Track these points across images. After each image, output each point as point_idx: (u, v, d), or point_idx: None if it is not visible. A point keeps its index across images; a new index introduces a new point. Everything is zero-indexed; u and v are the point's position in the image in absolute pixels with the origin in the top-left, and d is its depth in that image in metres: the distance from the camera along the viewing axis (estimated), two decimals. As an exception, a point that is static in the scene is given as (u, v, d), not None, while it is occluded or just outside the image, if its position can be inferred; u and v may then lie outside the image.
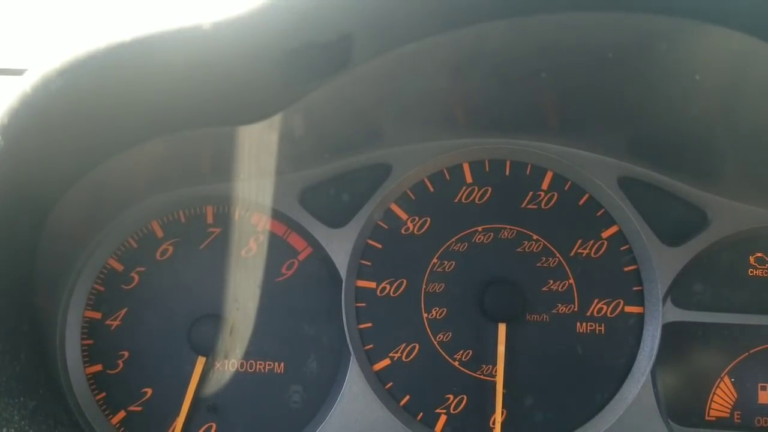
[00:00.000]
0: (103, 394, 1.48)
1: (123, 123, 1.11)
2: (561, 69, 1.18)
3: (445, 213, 1.54)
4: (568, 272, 1.52)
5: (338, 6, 0.89)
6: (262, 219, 1.54)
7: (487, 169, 1.56)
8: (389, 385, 1.51)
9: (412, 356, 1.51)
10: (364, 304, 1.52)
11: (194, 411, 1.48)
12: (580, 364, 1.51)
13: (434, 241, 1.54)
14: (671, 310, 1.49)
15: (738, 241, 1.52)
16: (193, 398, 1.46)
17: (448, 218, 1.54)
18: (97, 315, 1.50)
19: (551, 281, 1.52)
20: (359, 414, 1.46)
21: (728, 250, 1.53)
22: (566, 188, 1.55)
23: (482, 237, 1.54)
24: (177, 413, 1.45)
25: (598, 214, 1.54)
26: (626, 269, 1.52)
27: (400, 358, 1.51)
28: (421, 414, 1.50)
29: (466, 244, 1.53)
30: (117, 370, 1.49)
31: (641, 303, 1.51)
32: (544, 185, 1.55)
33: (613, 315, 1.52)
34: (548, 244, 1.53)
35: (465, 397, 1.51)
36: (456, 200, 1.55)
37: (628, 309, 1.51)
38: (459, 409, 1.51)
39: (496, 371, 1.47)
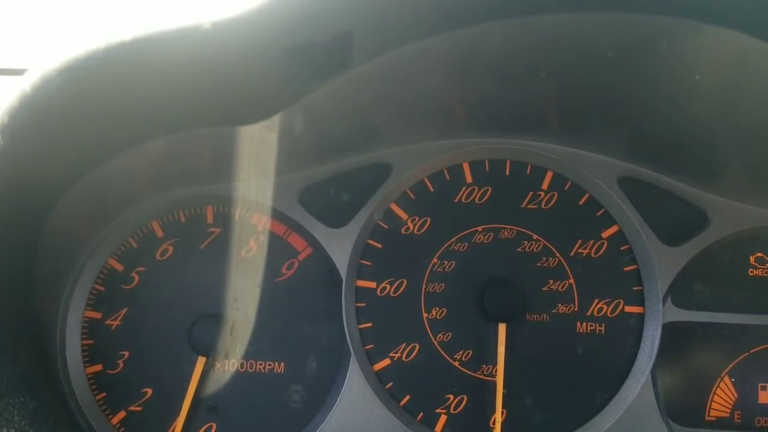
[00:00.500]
0: (104, 394, 1.48)
1: (123, 123, 1.11)
2: (561, 69, 1.18)
3: (445, 213, 1.54)
4: (568, 272, 1.52)
5: (338, 6, 0.89)
6: (262, 219, 1.54)
7: (487, 169, 1.56)
8: (389, 385, 1.51)
9: (412, 356, 1.51)
10: (364, 304, 1.52)
11: (194, 411, 1.48)
12: (580, 364, 1.51)
13: (434, 241, 1.54)
14: (671, 310, 1.49)
15: (738, 241, 1.52)
16: (193, 398, 1.46)
17: (448, 218, 1.54)
18: (97, 315, 1.50)
19: (551, 281, 1.52)
20: (359, 414, 1.46)
21: (728, 250, 1.53)
22: (566, 188, 1.55)
23: (482, 237, 1.54)
24: (177, 413, 1.45)
25: (598, 214, 1.54)
26: (626, 269, 1.52)
27: (400, 358, 1.51)
28: (421, 414, 1.50)
29: (466, 244, 1.53)
30: (117, 370, 1.49)
31: (641, 303, 1.51)
32: (544, 185, 1.55)
33: (613, 315, 1.52)
34: (548, 244, 1.53)
35: (465, 397, 1.51)
36: (456, 200, 1.55)
37: (628, 309, 1.51)
38: (459, 409, 1.50)
39: (496, 371, 1.47)
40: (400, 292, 1.53)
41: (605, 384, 1.50)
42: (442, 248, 1.53)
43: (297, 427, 1.50)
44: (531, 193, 1.55)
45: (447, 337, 1.52)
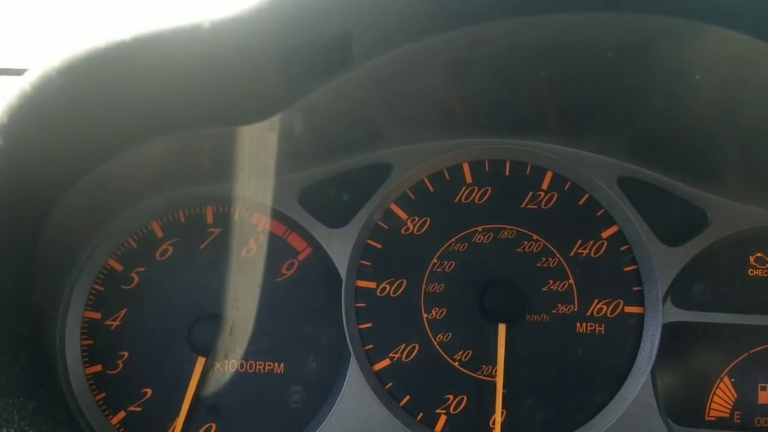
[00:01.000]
0: (103, 394, 1.48)
1: (123, 123, 1.11)
2: (560, 69, 1.18)
3: (445, 213, 1.54)
4: (568, 272, 1.52)
5: (338, 5, 0.90)
6: (262, 219, 1.54)
7: (487, 169, 1.56)
8: (389, 385, 1.51)
9: (412, 356, 1.51)
10: (364, 304, 1.52)
11: (194, 411, 1.48)
12: (580, 364, 1.51)
13: (434, 241, 1.53)
14: (671, 311, 1.49)
15: (738, 241, 1.52)
16: (193, 398, 1.46)
17: (448, 218, 1.54)
18: (97, 315, 1.50)
19: (551, 281, 1.52)
20: (359, 414, 1.46)
21: (728, 250, 1.53)
22: (566, 188, 1.55)
23: (482, 237, 1.54)
24: (177, 413, 1.45)
25: (598, 214, 1.54)
26: (626, 269, 1.52)
27: (400, 358, 1.51)
28: (421, 414, 1.50)
29: (466, 244, 1.53)
30: (117, 371, 1.49)
31: (641, 303, 1.51)
32: (544, 185, 1.55)
33: (613, 315, 1.51)
34: (548, 244, 1.53)
35: (465, 397, 1.51)
36: (456, 200, 1.55)
37: (628, 309, 1.51)
38: (459, 409, 1.50)
39: (496, 371, 1.47)
40: (399, 292, 1.52)
41: (605, 384, 1.50)
42: (442, 248, 1.53)
43: (297, 427, 1.49)
44: (531, 193, 1.55)
45: (447, 338, 1.51)
